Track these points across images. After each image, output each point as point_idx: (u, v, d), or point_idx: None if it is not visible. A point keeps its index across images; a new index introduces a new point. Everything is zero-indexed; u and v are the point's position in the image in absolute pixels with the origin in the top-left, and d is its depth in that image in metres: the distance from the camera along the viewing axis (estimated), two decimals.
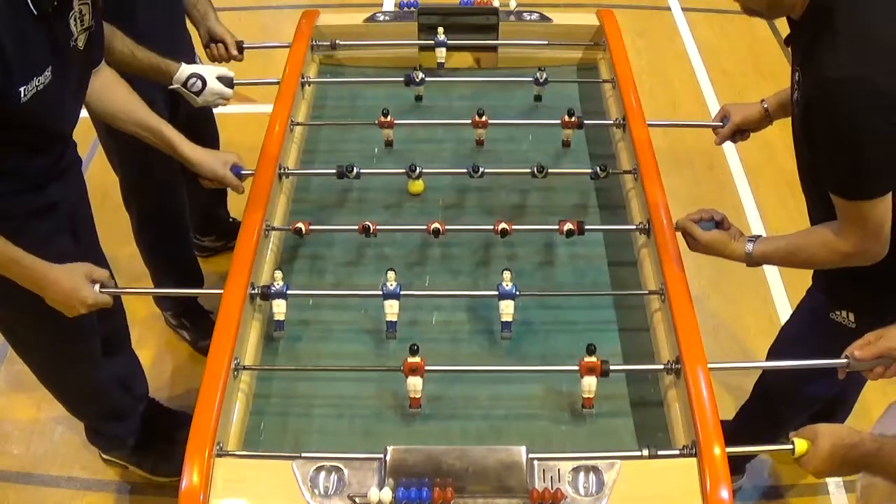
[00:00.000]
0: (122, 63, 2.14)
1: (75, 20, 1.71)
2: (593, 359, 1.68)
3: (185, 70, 2.24)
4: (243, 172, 2.07)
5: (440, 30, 2.51)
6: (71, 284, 1.77)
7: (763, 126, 2.20)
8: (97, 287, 1.81)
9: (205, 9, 2.56)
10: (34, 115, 1.65)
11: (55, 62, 1.66)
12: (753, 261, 1.85)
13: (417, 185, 2.19)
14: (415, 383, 1.69)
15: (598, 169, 2.11)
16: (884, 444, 1.49)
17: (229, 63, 2.58)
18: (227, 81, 2.32)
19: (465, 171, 2.10)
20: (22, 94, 1.59)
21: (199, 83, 2.24)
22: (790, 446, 1.55)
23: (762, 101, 2.16)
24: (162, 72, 2.22)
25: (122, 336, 2.38)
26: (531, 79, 2.42)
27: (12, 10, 1.54)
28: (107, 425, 2.44)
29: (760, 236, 1.86)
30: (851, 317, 1.91)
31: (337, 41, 2.58)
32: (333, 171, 2.14)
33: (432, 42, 2.52)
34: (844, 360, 1.66)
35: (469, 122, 2.24)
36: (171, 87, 2.25)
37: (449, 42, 2.52)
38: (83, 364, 2.19)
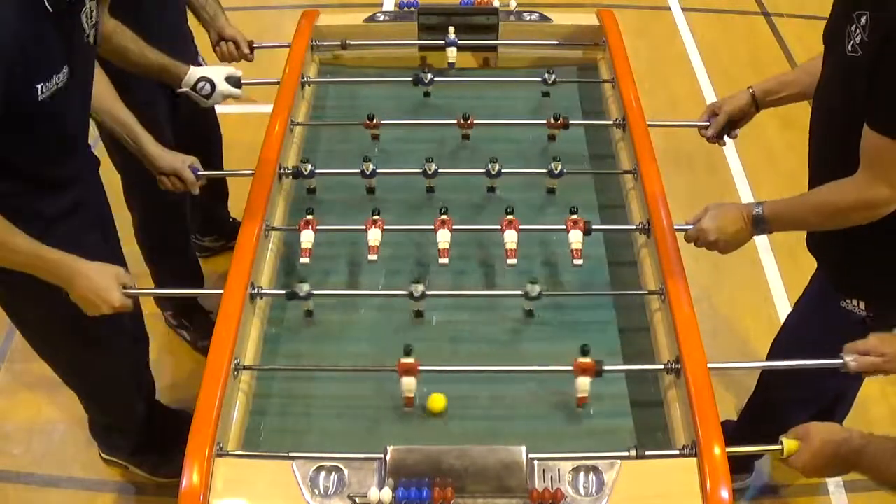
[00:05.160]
0: (133, 63, 2.14)
1: (86, 16, 1.71)
2: (587, 359, 1.67)
3: (193, 73, 2.25)
4: (199, 173, 2.13)
5: (451, 29, 2.50)
6: (102, 283, 1.76)
7: (750, 114, 2.20)
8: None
9: (214, 10, 2.56)
10: (53, 114, 1.66)
11: (71, 60, 1.66)
12: (763, 220, 1.85)
13: (439, 402, 1.75)
14: (409, 383, 1.68)
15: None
16: (870, 441, 1.48)
17: (239, 62, 2.58)
18: (235, 81, 2.33)
19: (482, 171, 2.11)
20: (40, 92, 1.59)
21: (209, 86, 2.26)
22: (779, 446, 1.55)
23: (749, 87, 2.16)
24: (171, 74, 2.23)
25: (143, 334, 2.39)
26: (533, 79, 2.42)
27: (29, 8, 1.55)
28: (120, 423, 2.45)
29: (763, 202, 1.87)
30: (862, 305, 1.91)
31: (347, 41, 2.57)
32: (335, 171, 2.13)
33: (432, 42, 2.53)
34: (840, 361, 1.67)
35: (455, 122, 2.24)
36: (180, 90, 2.25)
37: (453, 42, 2.52)
38: (117, 362, 2.19)
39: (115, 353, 2.17)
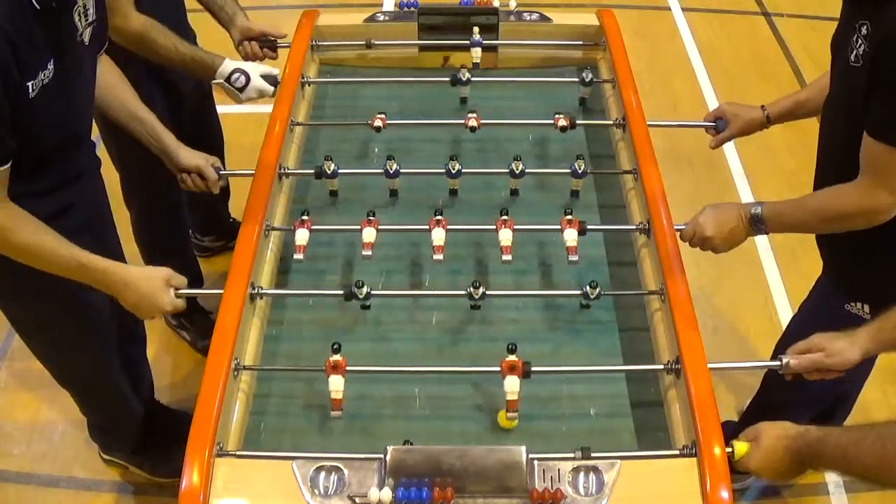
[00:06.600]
0: (165, 57, 2.14)
1: (79, 15, 1.71)
2: (514, 357, 1.66)
3: (228, 65, 2.23)
4: (222, 173, 2.13)
5: (475, 29, 2.49)
6: (149, 289, 1.76)
7: (760, 130, 2.20)
8: (173, 292, 1.79)
9: (233, 10, 2.53)
10: (43, 113, 1.65)
11: (57, 57, 1.66)
12: (761, 220, 1.84)
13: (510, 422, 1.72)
14: (336, 382, 1.66)
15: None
16: (829, 433, 1.43)
17: (263, 60, 2.56)
18: (273, 80, 2.30)
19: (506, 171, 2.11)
20: (30, 90, 1.59)
21: (244, 78, 2.24)
22: (728, 450, 1.52)
23: (763, 107, 2.15)
24: (206, 65, 2.22)
25: (139, 332, 2.39)
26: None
27: (17, 6, 1.55)
28: (114, 424, 2.45)
29: (763, 202, 1.86)
30: (867, 308, 1.91)
31: (372, 41, 2.55)
32: (358, 171, 2.14)
33: (432, 42, 2.53)
34: (778, 363, 1.67)
35: (461, 122, 2.24)
36: (215, 81, 2.23)
37: (447, 42, 2.52)
38: (101, 362, 2.18)
39: (96, 352, 2.15)
